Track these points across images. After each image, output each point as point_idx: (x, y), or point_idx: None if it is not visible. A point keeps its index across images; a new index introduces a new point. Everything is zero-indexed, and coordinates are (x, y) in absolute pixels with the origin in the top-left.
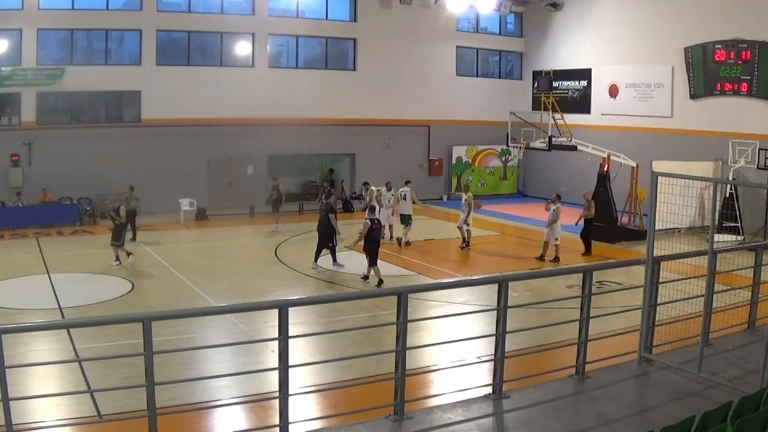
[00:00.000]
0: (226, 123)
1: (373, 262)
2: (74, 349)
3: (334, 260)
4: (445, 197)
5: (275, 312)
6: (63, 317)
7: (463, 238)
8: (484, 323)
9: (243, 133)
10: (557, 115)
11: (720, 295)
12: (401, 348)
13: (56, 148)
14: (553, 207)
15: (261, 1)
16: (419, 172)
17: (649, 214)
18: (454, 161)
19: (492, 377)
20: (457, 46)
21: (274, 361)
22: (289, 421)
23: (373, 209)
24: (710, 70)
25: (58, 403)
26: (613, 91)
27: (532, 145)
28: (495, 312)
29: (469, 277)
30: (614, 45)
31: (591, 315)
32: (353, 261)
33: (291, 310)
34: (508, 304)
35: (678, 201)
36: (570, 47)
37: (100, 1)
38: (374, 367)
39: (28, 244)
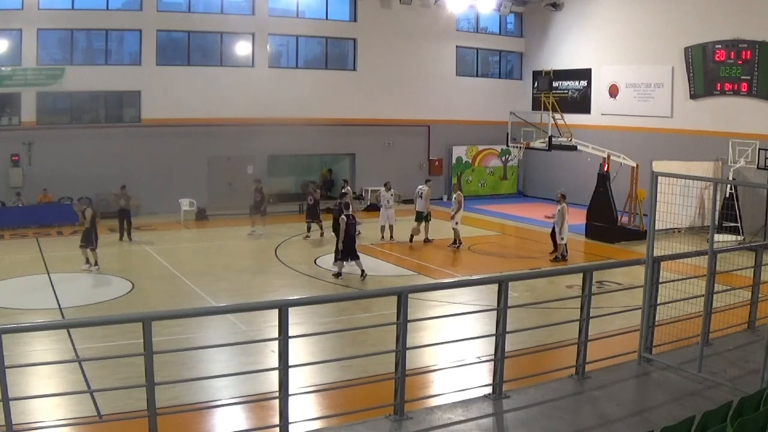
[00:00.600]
0: (226, 123)
1: (353, 257)
2: (74, 349)
3: (336, 260)
4: (445, 197)
5: (275, 312)
6: (63, 317)
7: (456, 239)
8: (484, 323)
9: (243, 133)
10: (557, 115)
11: (720, 295)
12: (401, 348)
13: (56, 148)
14: (558, 207)
15: (261, 1)
16: (419, 172)
17: (649, 214)
18: (454, 161)
19: (492, 377)
20: (457, 46)
21: (274, 361)
22: (289, 421)
23: (348, 206)
24: (710, 70)
25: (58, 403)
26: (613, 91)
27: (532, 145)
28: (495, 312)
29: (469, 277)
30: (614, 45)
31: (591, 315)
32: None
33: (291, 310)
34: (508, 304)
35: (678, 201)
36: (570, 47)
37: (100, 1)
38: (374, 367)
39: (28, 244)
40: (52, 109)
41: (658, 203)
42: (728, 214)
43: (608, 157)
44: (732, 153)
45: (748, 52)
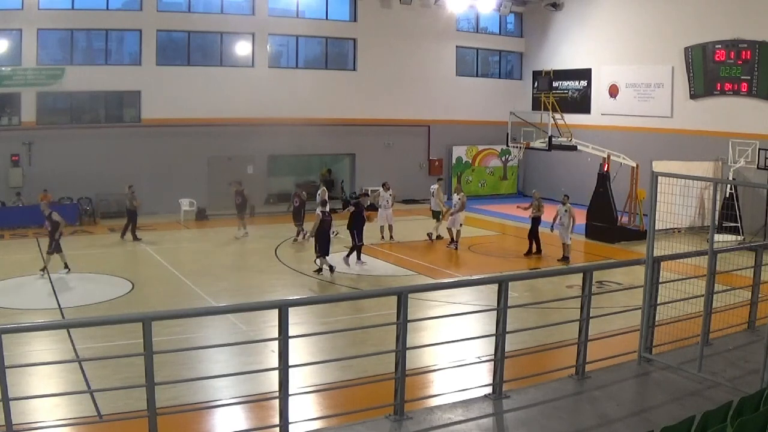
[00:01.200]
0: (226, 123)
1: (324, 253)
2: (74, 349)
3: (348, 256)
4: (445, 197)
5: (275, 312)
6: (63, 317)
7: (452, 238)
8: (484, 323)
9: (243, 133)
10: (557, 115)
11: (720, 295)
12: (401, 348)
13: (56, 148)
14: (563, 208)
15: (261, 1)
16: (419, 172)
17: (649, 214)
18: (454, 161)
19: (492, 377)
20: (457, 46)
21: (274, 361)
22: (289, 421)
23: (325, 203)
24: (710, 70)
25: (58, 403)
26: (613, 91)
27: (532, 145)
28: (495, 312)
29: (469, 277)
30: (614, 45)
31: (591, 315)
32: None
33: (291, 310)
34: (508, 304)
35: (678, 201)
36: (570, 47)
37: (100, 1)
38: (374, 367)
39: (28, 244)
40: (52, 109)
41: (658, 203)
42: (728, 214)
43: (608, 157)
44: (732, 153)
45: (748, 52)
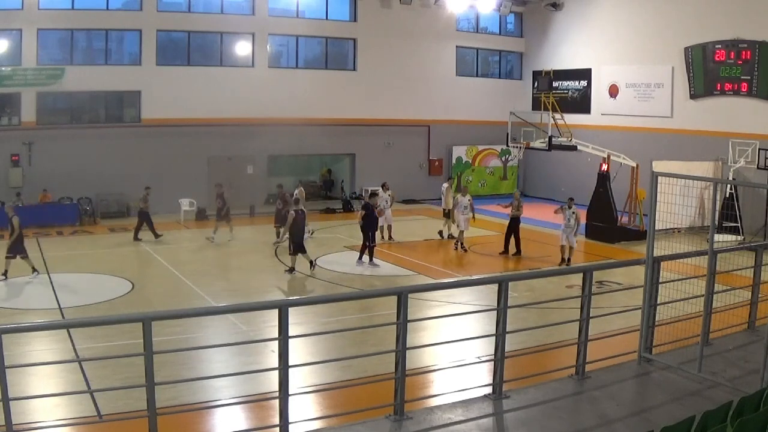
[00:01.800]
0: (226, 123)
1: (297, 251)
2: (74, 349)
3: (360, 258)
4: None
5: (275, 312)
6: (63, 317)
7: (461, 242)
8: (484, 323)
9: (243, 133)
10: (557, 115)
11: (720, 295)
12: (401, 348)
13: (56, 148)
14: (570, 211)
15: (261, 1)
16: (419, 172)
17: (649, 214)
18: (454, 161)
19: (492, 377)
20: (457, 46)
21: (274, 361)
22: (289, 421)
23: (297, 201)
24: (710, 70)
25: (58, 403)
26: (613, 91)
27: (532, 145)
28: (495, 312)
29: (469, 277)
30: (614, 45)
31: (591, 315)
32: (356, 260)
33: (291, 310)
34: (508, 304)
35: (678, 201)
36: (570, 47)
37: (100, 1)
38: (374, 367)
39: (28, 244)
40: (52, 109)
41: (658, 203)
42: (728, 214)
43: (608, 157)
44: (732, 153)
45: (748, 52)
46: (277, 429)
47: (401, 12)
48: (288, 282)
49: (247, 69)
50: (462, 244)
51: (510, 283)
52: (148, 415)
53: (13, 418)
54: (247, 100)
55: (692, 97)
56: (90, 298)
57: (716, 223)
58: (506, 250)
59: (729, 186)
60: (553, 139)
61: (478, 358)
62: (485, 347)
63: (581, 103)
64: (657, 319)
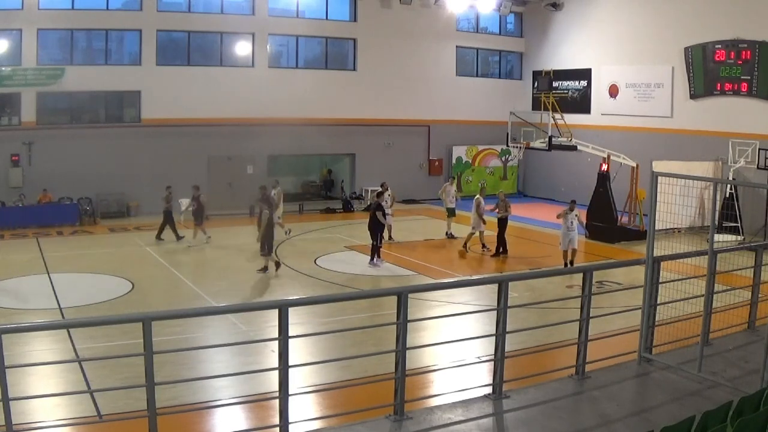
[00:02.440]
0: (226, 123)
1: (269, 251)
2: (74, 349)
3: (372, 258)
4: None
5: (275, 312)
6: (63, 317)
7: (483, 243)
8: (484, 323)
9: (243, 133)
10: (557, 115)
11: (720, 295)
12: (401, 348)
13: (56, 148)
14: (572, 214)
15: (261, 1)
16: (419, 172)
17: (649, 214)
18: (454, 161)
19: (492, 377)
20: (457, 46)
21: (274, 361)
22: (289, 421)
23: (270, 203)
24: (710, 70)
25: (58, 403)
26: (613, 91)
27: (532, 145)
28: (495, 312)
29: (469, 277)
30: (614, 45)
31: (591, 315)
32: (356, 260)
33: (291, 310)
34: (508, 304)
35: (678, 201)
36: (570, 47)
37: (100, 1)
38: (374, 367)
39: (28, 244)
40: (52, 109)
41: (658, 203)
42: (728, 214)
43: (608, 157)
44: (732, 153)
45: (748, 52)
46: (277, 429)
47: (401, 12)
48: (287, 282)
49: (247, 69)
50: (483, 244)
51: (510, 283)
52: (148, 415)
53: (13, 418)
54: (247, 100)
55: (692, 97)
56: (90, 298)
57: (716, 223)
58: (498, 252)
59: (729, 186)
60: (553, 139)
61: (478, 358)
62: (485, 347)
63: (581, 103)
64: (657, 319)
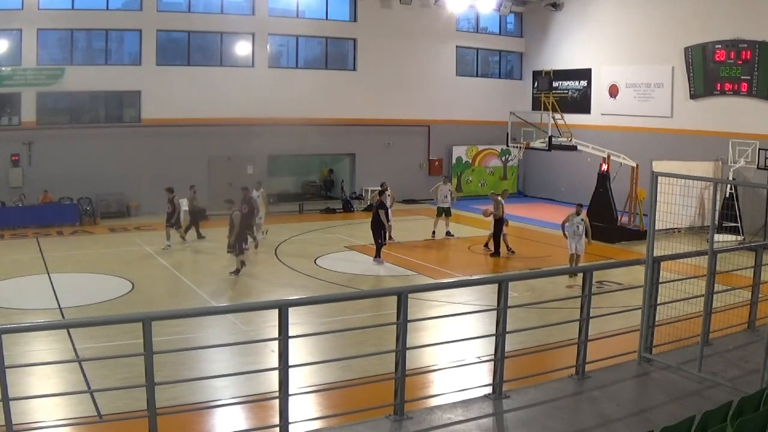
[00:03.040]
0: (226, 123)
1: (240, 251)
2: (74, 349)
3: (378, 255)
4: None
5: (275, 312)
6: (63, 317)
7: (505, 246)
8: (484, 323)
9: (243, 133)
10: (557, 115)
11: (720, 295)
12: (401, 348)
13: (56, 148)
14: (579, 218)
15: (261, 1)
16: (419, 172)
17: (649, 214)
18: (454, 161)
19: (492, 377)
20: (457, 46)
21: (274, 361)
22: (289, 421)
23: (252, 206)
24: (710, 70)
25: (58, 403)
26: (613, 91)
27: (532, 145)
28: (495, 312)
29: (469, 277)
30: (614, 45)
31: (591, 315)
32: (356, 260)
33: (291, 310)
34: (508, 304)
35: (678, 201)
36: (570, 47)
37: (100, 1)
38: (374, 367)
39: (28, 244)
40: (52, 109)
41: (658, 203)
42: (728, 214)
43: (608, 157)
44: (732, 153)
45: (748, 52)
46: (277, 429)
47: (401, 12)
48: (287, 282)
49: (247, 69)
50: (508, 246)
51: (510, 283)
52: (148, 415)
53: (13, 418)
54: (247, 100)
55: (692, 97)
56: (90, 298)
57: (716, 223)
58: (498, 252)
59: (729, 186)
60: (553, 139)
61: (478, 358)
62: (485, 347)
63: (581, 103)
64: (657, 319)
